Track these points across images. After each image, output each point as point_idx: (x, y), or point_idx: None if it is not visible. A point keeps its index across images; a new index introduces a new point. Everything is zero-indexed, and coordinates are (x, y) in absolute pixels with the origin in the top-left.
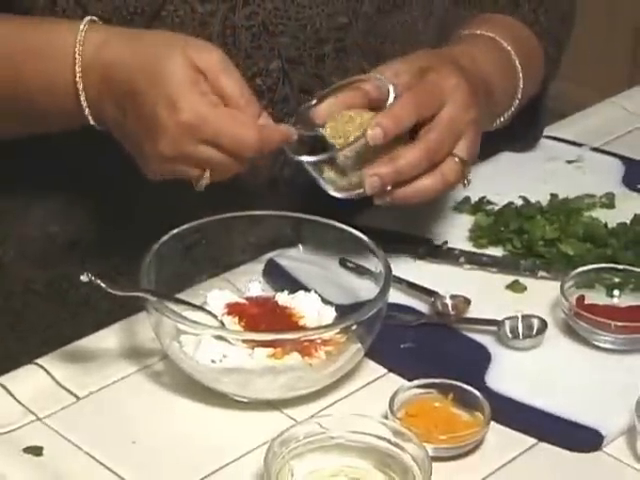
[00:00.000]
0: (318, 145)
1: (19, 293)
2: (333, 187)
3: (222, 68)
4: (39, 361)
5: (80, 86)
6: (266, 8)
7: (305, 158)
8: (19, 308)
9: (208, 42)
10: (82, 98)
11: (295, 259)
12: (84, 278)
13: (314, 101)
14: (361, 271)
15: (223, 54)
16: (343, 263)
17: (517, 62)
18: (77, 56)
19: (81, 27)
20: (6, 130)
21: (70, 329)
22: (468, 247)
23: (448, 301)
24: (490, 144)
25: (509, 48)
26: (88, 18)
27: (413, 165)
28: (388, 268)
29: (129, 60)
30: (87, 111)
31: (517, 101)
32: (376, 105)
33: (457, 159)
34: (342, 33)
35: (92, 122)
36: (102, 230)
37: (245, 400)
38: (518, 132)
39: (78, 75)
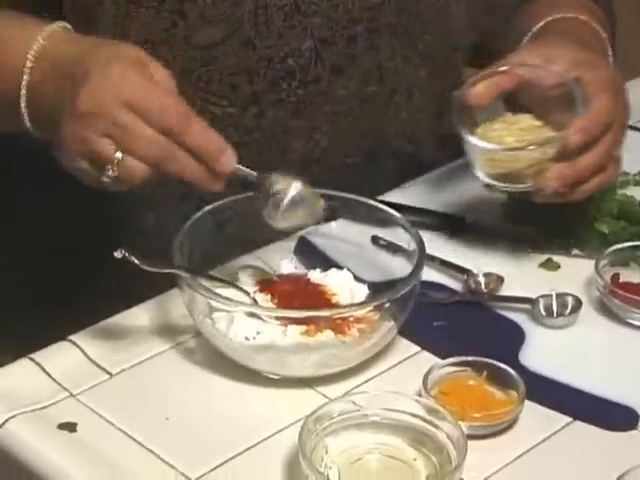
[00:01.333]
0: None
1: (61, 266)
2: (485, 173)
3: (171, 83)
4: (72, 338)
5: (27, 68)
6: None
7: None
8: (65, 282)
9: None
10: (24, 80)
11: (327, 236)
12: (118, 254)
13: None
14: (393, 248)
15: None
16: (375, 241)
17: (606, 41)
18: (35, 44)
19: (50, 26)
20: None
21: (112, 303)
22: (501, 224)
23: (481, 279)
24: None
25: (597, 27)
26: (61, 24)
27: (592, 169)
28: (421, 245)
29: (83, 48)
30: (23, 94)
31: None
32: (525, 88)
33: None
34: (374, 13)
35: (23, 108)
36: (138, 209)
37: (278, 377)
38: None
39: (29, 60)
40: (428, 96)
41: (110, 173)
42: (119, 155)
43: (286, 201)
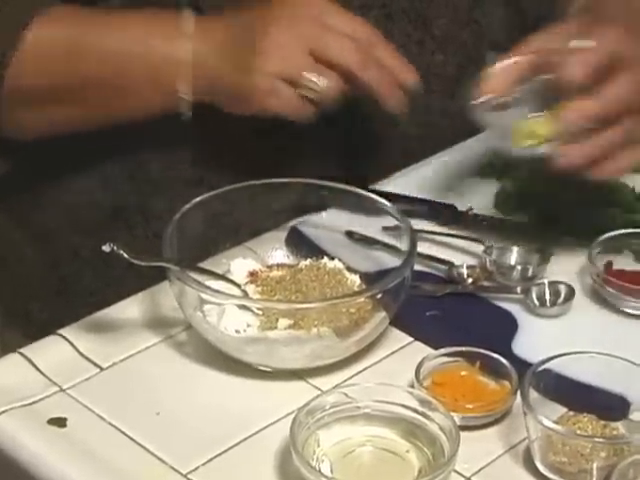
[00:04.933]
0: None
1: (66, 260)
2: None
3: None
4: (62, 332)
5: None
6: None
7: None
8: (66, 275)
9: None
10: (188, 22)
11: (319, 226)
12: (106, 248)
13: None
14: (369, 242)
15: None
16: (350, 235)
17: None
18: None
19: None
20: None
21: (116, 296)
22: (493, 213)
23: (464, 270)
24: None
25: None
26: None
27: (608, 104)
28: (413, 235)
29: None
30: (188, 34)
31: None
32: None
33: None
34: None
35: (185, 53)
36: (145, 196)
37: (269, 370)
38: None
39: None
40: (444, 79)
41: (310, 87)
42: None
43: None
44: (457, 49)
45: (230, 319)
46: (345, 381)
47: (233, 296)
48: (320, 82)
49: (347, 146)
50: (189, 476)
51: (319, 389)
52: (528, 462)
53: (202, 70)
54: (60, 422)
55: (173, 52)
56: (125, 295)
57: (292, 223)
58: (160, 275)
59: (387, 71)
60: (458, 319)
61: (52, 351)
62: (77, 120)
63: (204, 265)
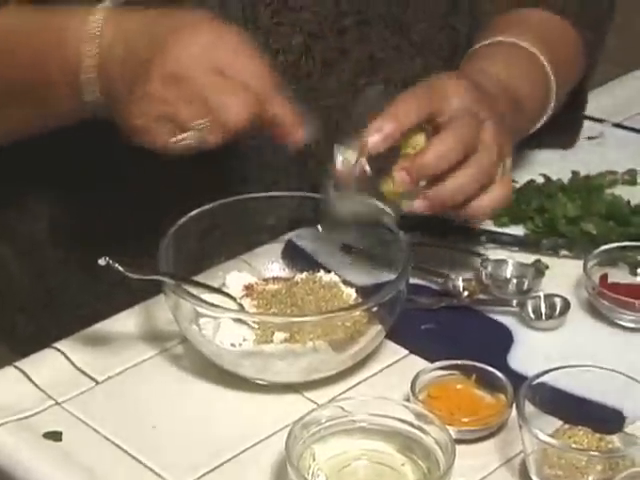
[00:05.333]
0: None
1: (53, 272)
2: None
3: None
4: (57, 345)
5: (91, 37)
6: None
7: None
8: (53, 287)
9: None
10: (95, 43)
11: (314, 240)
12: (102, 262)
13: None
14: (365, 255)
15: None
16: (345, 248)
17: (547, 65)
18: (91, 16)
19: (99, 5)
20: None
21: (104, 309)
22: (489, 226)
23: (459, 283)
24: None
25: (535, 51)
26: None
27: (440, 155)
28: (408, 249)
29: (151, 14)
30: (88, 65)
31: (552, 104)
32: None
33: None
34: (363, 5)
35: (87, 79)
36: (121, 214)
37: (265, 383)
38: (561, 122)
39: (90, 30)
40: None
41: (188, 136)
42: (201, 120)
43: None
44: (435, 54)
45: (226, 332)
46: (341, 394)
47: (229, 309)
48: (195, 135)
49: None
50: None
51: (315, 402)
52: (524, 475)
53: (105, 70)
54: (55, 436)
55: (82, 49)
56: (113, 308)
57: (288, 236)
58: (149, 288)
59: (278, 130)
60: (454, 332)
61: (47, 365)
62: (14, 121)
63: (199, 278)
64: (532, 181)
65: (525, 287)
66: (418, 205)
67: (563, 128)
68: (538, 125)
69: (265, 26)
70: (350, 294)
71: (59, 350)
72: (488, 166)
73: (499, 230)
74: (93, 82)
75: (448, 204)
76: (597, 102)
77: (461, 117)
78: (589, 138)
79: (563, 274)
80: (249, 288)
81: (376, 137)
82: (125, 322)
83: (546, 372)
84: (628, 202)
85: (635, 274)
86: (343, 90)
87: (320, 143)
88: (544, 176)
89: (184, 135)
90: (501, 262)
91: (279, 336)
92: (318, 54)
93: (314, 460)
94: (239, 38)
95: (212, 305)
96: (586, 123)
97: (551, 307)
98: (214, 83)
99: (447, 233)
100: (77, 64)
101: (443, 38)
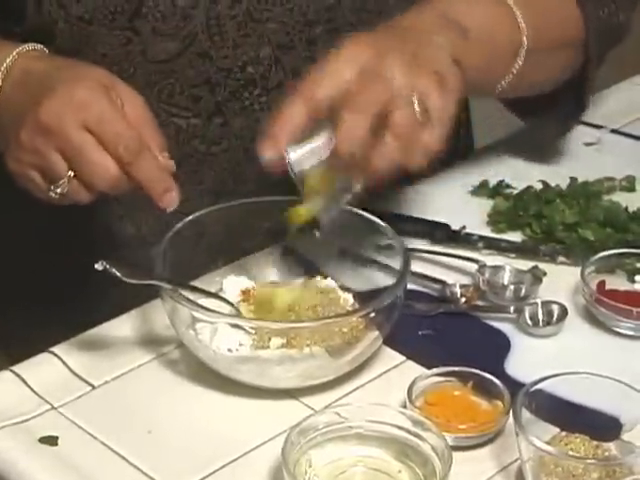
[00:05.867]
0: None
1: (49, 276)
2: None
3: (139, 106)
4: (54, 350)
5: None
6: None
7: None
8: (49, 291)
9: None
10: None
11: (312, 245)
12: (99, 266)
13: None
14: (362, 261)
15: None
16: (343, 253)
17: (513, 6)
18: (8, 59)
19: (24, 46)
20: None
21: (100, 313)
22: (486, 232)
23: (457, 289)
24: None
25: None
26: (38, 46)
27: (350, 140)
28: (406, 254)
29: (55, 64)
30: None
31: (524, 48)
32: None
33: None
34: (331, 13)
35: None
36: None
37: (262, 389)
38: (560, 109)
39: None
40: None
41: (59, 190)
42: (70, 173)
43: None
44: None
45: (222, 338)
46: (337, 400)
47: (225, 315)
48: (67, 187)
49: None
50: None
51: (312, 408)
52: None
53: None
54: (51, 440)
55: None
56: (110, 312)
57: (285, 241)
58: (144, 293)
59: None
60: (451, 338)
61: (44, 369)
62: None
63: (196, 283)
64: (530, 187)
65: (522, 294)
66: (356, 189)
67: (564, 109)
68: (516, 66)
69: (232, 39)
70: (347, 300)
71: (55, 354)
72: (407, 119)
73: (497, 236)
74: None
75: (383, 174)
76: (595, 108)
77: (357, 91)
78: (587, 144)
79: (561, 281)
80: (246, 293)
81: (270, 151)
82: (121, 327)
83: (543, 379)
84: (626, 209)
85: (633, 281)
86: None
87: None
88: (542, 182)
89: (57, 185)
90: (499, 268)
91: (276, 342)
92: (288, 65)
93: (310, 466)
94: (124, 96)
95: (209, 310)
96: (584, 129)
97: (548, 314)
98: (82, 140)
99: (444, 239)
100: None
101: None
